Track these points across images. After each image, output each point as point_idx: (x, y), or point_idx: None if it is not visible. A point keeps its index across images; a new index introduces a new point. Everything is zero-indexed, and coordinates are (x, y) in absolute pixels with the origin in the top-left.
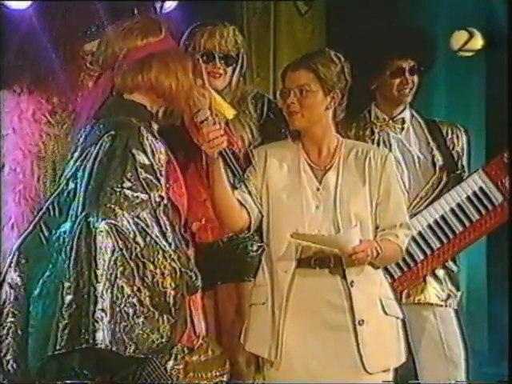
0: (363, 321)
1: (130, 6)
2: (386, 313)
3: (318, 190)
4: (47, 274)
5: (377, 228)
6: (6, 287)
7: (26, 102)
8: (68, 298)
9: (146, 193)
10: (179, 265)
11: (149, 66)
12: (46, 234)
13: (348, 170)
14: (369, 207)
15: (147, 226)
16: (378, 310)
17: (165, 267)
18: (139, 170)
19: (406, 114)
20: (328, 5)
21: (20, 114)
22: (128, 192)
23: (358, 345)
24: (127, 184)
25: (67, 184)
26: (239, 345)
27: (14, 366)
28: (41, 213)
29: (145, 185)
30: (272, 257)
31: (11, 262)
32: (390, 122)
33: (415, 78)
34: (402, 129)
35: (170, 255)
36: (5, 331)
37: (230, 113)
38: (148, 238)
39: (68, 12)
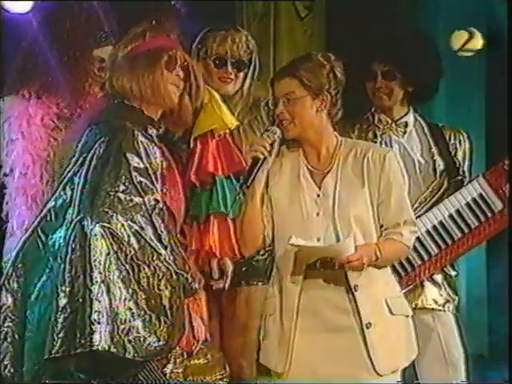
0: (370, 324)
1: (139, 11)
2: (392, 313)
3: (318, 196)
4: (43, 278)
5: (381, 227)
6: (3, 292)
7: (35, 107)
8: (63, 301)
9: (141, 196)
10: (175, 267)
11: (118, 72)
12: (43, 238)
13: (346, 172)
14: (370, 208)
15: (141, 228)
16: (384, 312)
17: (160, 269)
18: (133, 173)
19: (410, 118)
20: (328, 9)
21: (29, 119)
22: (122, 195)
23: (367, 348)
24: (121, 187)
25: (64, 189)
26: (242, 348)
27: (12, 370)
28: (38, 218)
29: (139, 188)
30: (279, 267)
31: (10, 268)
32: (393, 125)
33: (392, 84)
34: (405, 132)
35: (165, 258)
36: (2, 336)
37: (233, 123)
38: (142, 241)
39: (77, 17)
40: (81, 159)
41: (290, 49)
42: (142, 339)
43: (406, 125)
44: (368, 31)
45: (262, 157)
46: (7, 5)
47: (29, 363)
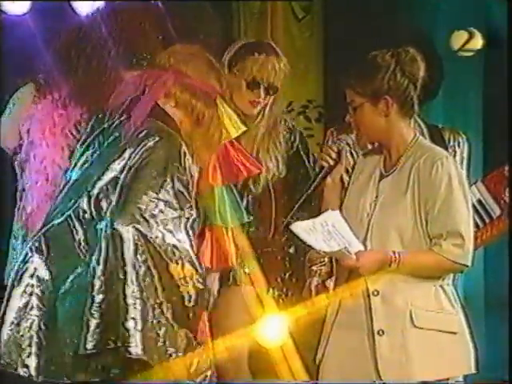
0: (383, 331)
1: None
2: (414, 325)
3: (376, 197)
4: (79, 270)
5: (429, 237)
6: (29, 279)
7: (59, 114)
8: (99, 297)
9: (180, 208)
10: (203, 283)
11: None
12: (79, 228)
13: (399, 176)
14: (412, 216)
15: (179, 241)
16: (404, 322)
17: (193, 285)
18: (176, 183)
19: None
20: (325, 10)
21: (51, 128)
22: (163, 204)
23: (374, 354)
24: (165, 196)
25: (103, 180)
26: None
27: (35, 360)
28: (74, 206)
29: (180, 199)
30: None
31: (35, 247)
32: None
33: None
34: None
35: (198, 272)
36: (28, 324)
37: (239, 128)
38: (178, 254)
39: (124, 39)
40: (126, 154)
41: (288, 50)
42: (164, 348)
43: None
44: (367, 32)
45: (326, 165)
46: (5, 6)
47: (58, 355)
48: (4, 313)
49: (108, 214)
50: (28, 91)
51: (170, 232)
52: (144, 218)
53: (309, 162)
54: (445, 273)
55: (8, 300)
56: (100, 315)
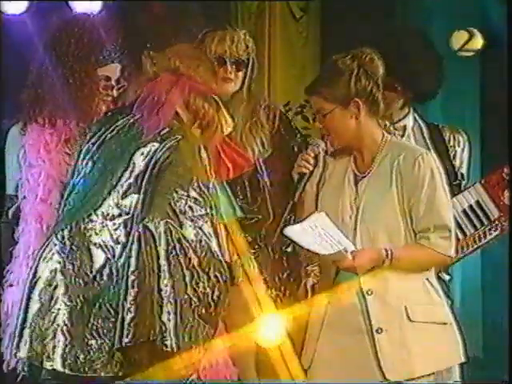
0: (382, 329)
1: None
2: (410, 320)
3: (355, 199)
4: (106, 268)
5: (414, 232)
6: (51, 274)
7: (49, 134)
8: (134, 290)
9: (205, 206)
10: (226, 281)
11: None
12: (105, 223)
13: (379, 175)
14: (399, 213)
15: (208, 238)
16: (401, 318)
17: (217, 282)
18: (200, 181)
19: (409, 121)
20: (323, 10)
21: (45, 146)
22: (192, 201)
23: (376, 353)
24: (193, 194)
25: (127, 175)
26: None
27: (60, 353)
28: (100, 201)
29: (204, 197)
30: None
31: (55, 243)
32: (391, 127)
33: (392, 95)
34: (403, 136)
35: (225, 269)
36: (52, 317)
37: (229, 127)
38: (206, 251)
39: (80, 39)
40: (142, 144)
41: (285, 50)
42: (191, 343)
43: (405, 128)
44: (365, 32)
45: (307, 171)
46: (3, 6)
47: (84, 349)
48: (26, 307)
49: (138, 209)
50: (16, 131)
51: (200, 229)
52: (175, 213)
53: (293, 139)
54: (434, 265)
55: (29, 295)
56: (135, 309)
